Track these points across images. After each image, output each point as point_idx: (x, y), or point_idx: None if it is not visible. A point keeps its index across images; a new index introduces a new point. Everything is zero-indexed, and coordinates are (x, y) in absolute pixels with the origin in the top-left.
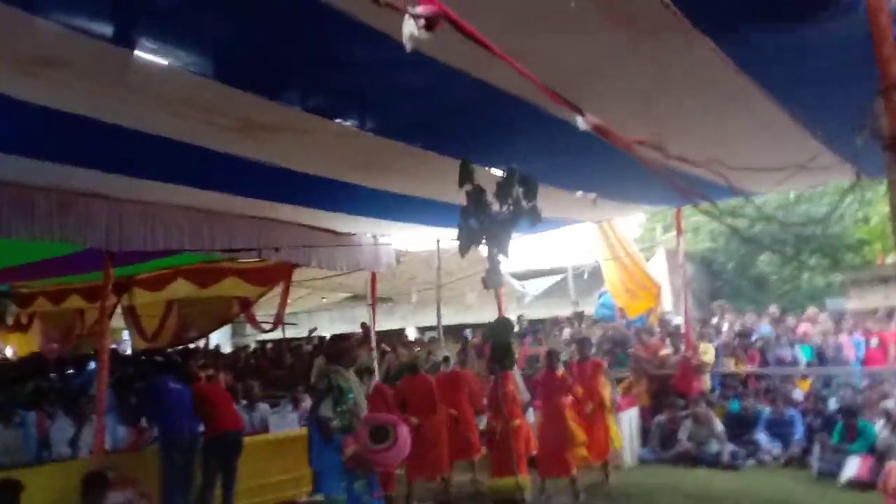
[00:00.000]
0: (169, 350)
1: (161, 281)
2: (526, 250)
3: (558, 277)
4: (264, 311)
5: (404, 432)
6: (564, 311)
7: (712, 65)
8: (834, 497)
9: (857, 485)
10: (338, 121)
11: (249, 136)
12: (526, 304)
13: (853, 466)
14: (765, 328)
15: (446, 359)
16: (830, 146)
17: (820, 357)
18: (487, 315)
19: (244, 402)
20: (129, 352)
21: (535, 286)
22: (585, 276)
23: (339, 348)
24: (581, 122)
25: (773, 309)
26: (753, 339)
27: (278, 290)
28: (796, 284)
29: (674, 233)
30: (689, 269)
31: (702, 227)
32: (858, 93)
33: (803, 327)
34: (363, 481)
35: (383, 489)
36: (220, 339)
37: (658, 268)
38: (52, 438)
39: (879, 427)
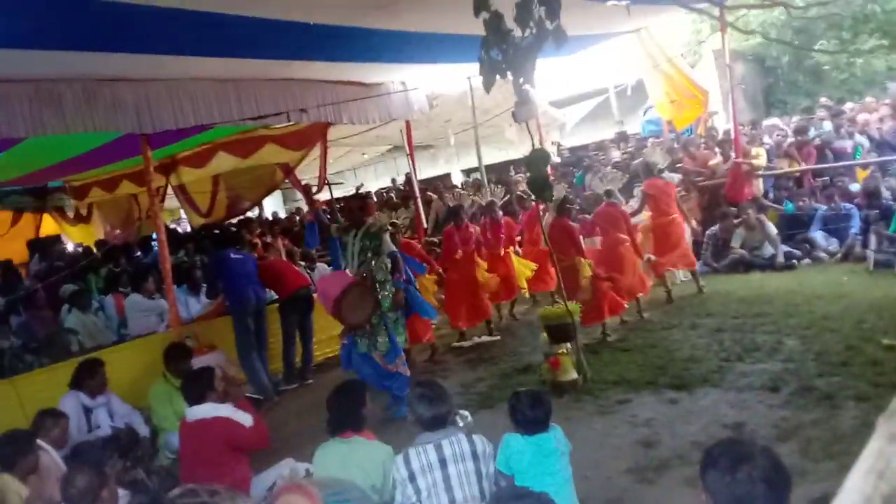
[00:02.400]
0: (226, 222)
1: (203, 157)
2: (563, 75)
3: (600, 98)
4: (309, 174)
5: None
6: (609, 134)
7: None
8: (887, 286)
9: None
10: None
11: None
12: (568, 131)
13: None
14: (825, 125)
15: (490, 203)
16: None
17: (880, 146)
18: (530, 149)
19: (303, 263)
20: (188, 229)
21: (577, 112)
22: (629, 92)
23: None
24: None
25: (825, 100)
26: (811, 135)
27: (318, 151)
28: (853, 71)
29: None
30: (740, 69)
31: (752, 22)
32: None
33: (863, 117)
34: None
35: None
36: (275, 206)
37: (707, 72)
38: (130, 318)
39: None
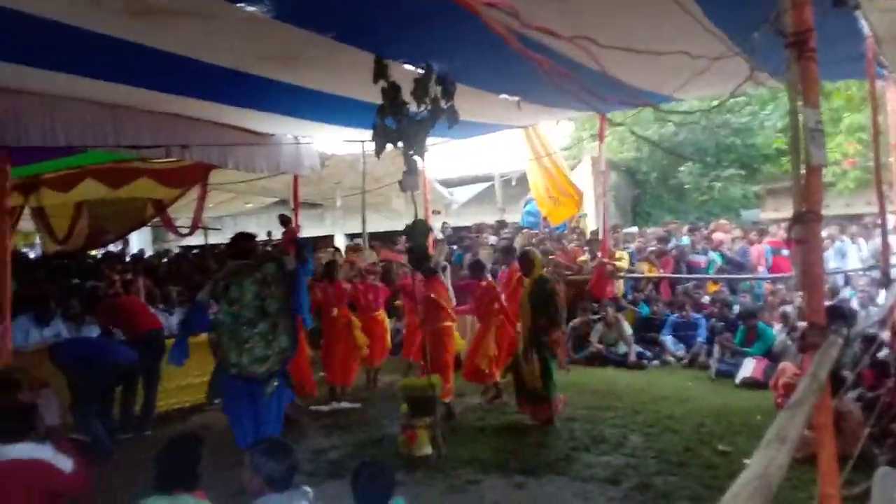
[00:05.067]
0: (84, 253)
1: (70, 181)
2: (454, 157)
3: (486, 184)
4: (185, 215)
5: None
6: (491, 218)
7: None
8: (727, 394)
9: (750, 384)
10: (240, 5)
11: (145, 21)
12: (453, 210)
13: (749, 367)
14: (684, 239)
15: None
16: (741, 48)
17: (730, 264)
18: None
19: (161, 306)
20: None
21: (463, 193)
22: (513, 183)
23: (244, 247)
24: None
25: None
26: (670, 246)
27: (196, 193)
28: (712, 195)
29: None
30: (613, 178)
31: (628, 136)
32: None
33: (718, 236)
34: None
35: (299, 391)
36: (142, 243)
37: (583, 176)
38: None
39: (777, 330)
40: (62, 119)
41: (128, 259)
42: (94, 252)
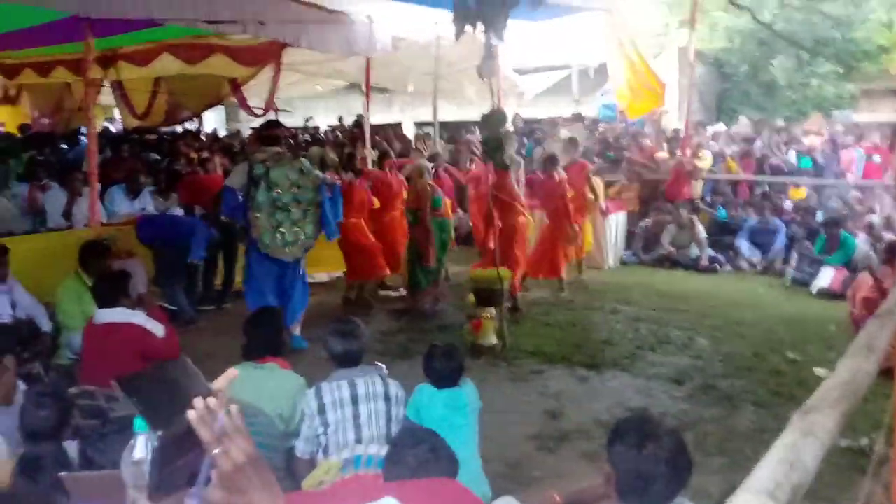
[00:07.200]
0: (161, 129)
1: (147, 55)
2: (529, 44)
3: (562, 74)
4: (257, 96)
5: None
6: (566, 110)
7: None
8: (801, 303)
9: (826, 294)
10: None
11: None
12: (527, 101)
13: (826, 277)
14: (771, 140)
15: (435, 156)
16: None
17: (818, 168)
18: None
19: None
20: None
21: (537, 83)
22: (591, 74)
23: (275, 134)
24: None
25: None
26: (756, 146)
27: (269, 74)
28: (805, 93)
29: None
30: (698, 70)
31: (718, 24)
32: None
33: (811, 141)
34: None
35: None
36: (216, 123)
37: (667, 66)
38: (47, 209)
39: (861, 241)
40: None
41: (203, 137)
42: (170, 129)
